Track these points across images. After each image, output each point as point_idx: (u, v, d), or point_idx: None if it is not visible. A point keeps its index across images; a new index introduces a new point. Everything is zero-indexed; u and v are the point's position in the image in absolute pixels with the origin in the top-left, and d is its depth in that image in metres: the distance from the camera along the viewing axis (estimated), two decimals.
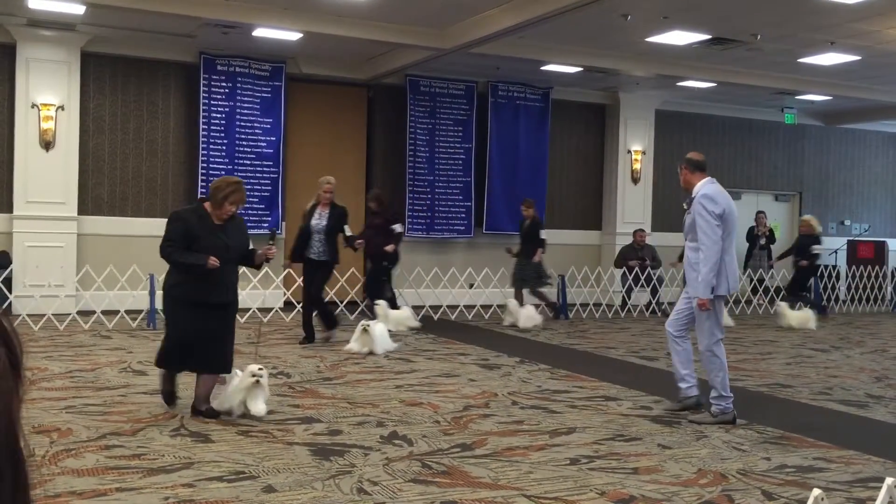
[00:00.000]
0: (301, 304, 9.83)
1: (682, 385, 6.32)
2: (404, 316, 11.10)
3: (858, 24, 10.53)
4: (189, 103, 12.80)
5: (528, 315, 11.66)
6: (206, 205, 6.02)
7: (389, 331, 9.51)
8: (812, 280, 14.23)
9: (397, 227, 11.26)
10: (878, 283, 15.99)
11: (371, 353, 8.76)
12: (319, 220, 9.35)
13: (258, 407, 5.78)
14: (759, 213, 15.48)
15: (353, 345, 8.89)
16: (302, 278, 9.63)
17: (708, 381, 6.10)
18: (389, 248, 11.03)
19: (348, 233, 9.61)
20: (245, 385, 5.80)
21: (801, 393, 7.35)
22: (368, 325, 8.87)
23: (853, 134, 18.44)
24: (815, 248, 13.36)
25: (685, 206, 6.13)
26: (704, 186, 6.06)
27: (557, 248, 15.20)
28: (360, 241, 9.75)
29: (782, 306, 12.49)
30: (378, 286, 11.42)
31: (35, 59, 11.63)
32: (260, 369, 5.87)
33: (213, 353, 5.87)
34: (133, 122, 12.60)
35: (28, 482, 0.96)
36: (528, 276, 12.43)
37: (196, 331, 5.80)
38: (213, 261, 5.72)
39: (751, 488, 4.50)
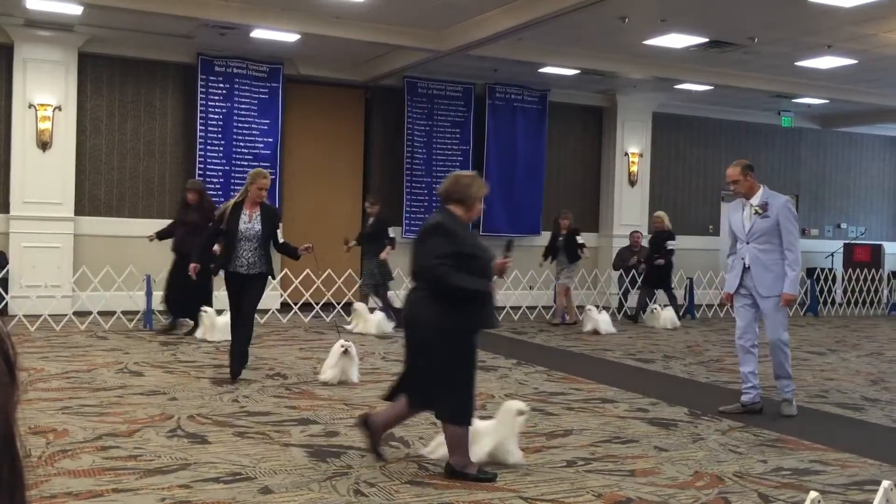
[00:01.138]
0: (231, 330, 7.54)
1: (754, 391, 6.57)
2: (377, 321, 10.73)
3: (855, 28, 10.56)
4: (186, 104, 12.79)
5: (377, 321, 10.69)
6: (453, 207, 4.76)
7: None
8: (675, 278, 13.49)
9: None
10: (874, 286, 16.02)
11: (346, 381, 7.25)
12: (251, 223, 7.18)
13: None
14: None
15: (329, 373, 7.24)
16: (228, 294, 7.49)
17: (777, 370, 6.50)
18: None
19: (281, 239, 7.95)
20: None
21: (798, 396, 7.34)
22: (349, 346, 7.31)
23: (850, 137, 18.47)
24: (671, 244, 12.97)
25: (759, 211, 6.38)
26: (772, 193, 6.55)
27: None
28: (307, 246, 7.56)
29: (656, 309, 12.57)
30: (191, 299, 9.60)
31: (32, 60, 11.62)
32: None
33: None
34: (130, 123, 12.59)
35: (24, 483, 0.96)
36: (372, 277, 11.48)
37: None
38: (493, 286, 4.74)
39: (747, 491, 4.51)
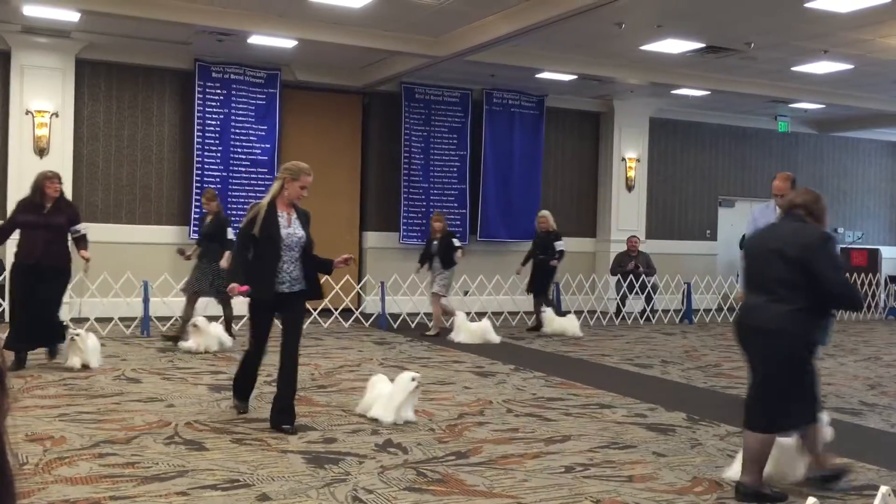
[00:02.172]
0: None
1: None
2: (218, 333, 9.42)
3: (851, 33, 10.59)
4: (184, 110, 12.80)
5: (217, 335, 9.40)
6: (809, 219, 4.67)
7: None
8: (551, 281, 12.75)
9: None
10: (872, 290, 16.04)
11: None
12: (291, 228, 5.97)
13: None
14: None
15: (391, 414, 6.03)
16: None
17: None
18: (85, 253, 8.03)
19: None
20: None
21: None
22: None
23: (846, 142, 18.51)
24: (560, 245, 12.11)
25: None
26: None
27: None
28: (346, 257, 6.39)
29: (549, 312, 11.88)
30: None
31: (29, 66, 11.62)
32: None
33: None
34: (127, 129, 12.58)
35: (15, 492, 0.96)
36: (203, 284, 9.77)
37: None
38: None
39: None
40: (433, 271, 11.46)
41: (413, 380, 5.96)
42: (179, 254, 10.32)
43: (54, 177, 7.86)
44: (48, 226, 7.72)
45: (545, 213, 12.51)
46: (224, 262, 9.27)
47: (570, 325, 11.72)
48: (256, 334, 5.94)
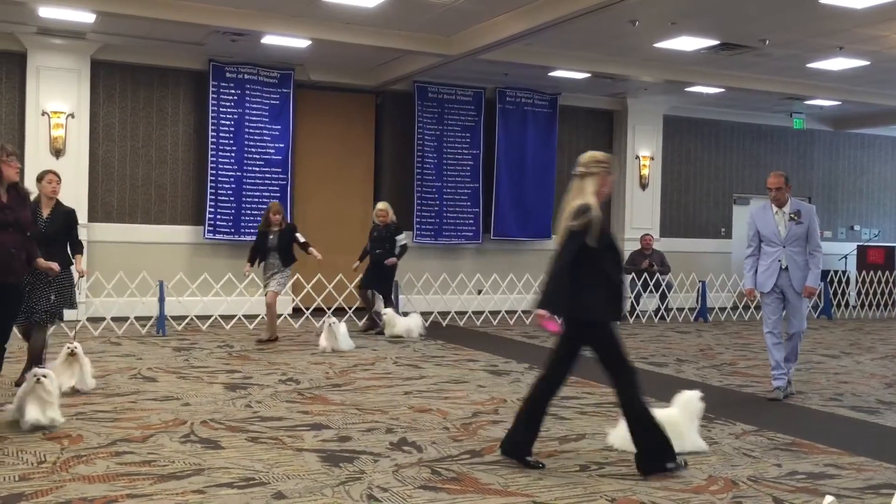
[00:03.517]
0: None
1: (785, 377, 7.31)
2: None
3: (867, 30, 10.51)
4: (198, 110, 12.86)
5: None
6: None
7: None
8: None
9: None
10: (889, 288, 15.92)
11: None
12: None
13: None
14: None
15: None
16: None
17: (792, 355, 7.35)
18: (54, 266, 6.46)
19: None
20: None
21: (812, 399, 7.32)
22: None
23: (862, 139, 18.39)
24: (401, 240, 11.16)
25: (794, 218, 7.16)
26: (798, 201, 7.35)
27: None
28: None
29: (389, 313, 10.80)
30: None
31: (45, 67, 11.71)
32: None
33: None
34: (142, 130, 12.66)
35: None
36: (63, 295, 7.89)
37: None
38: None
39: (762, 495, 4.48)
40: (269, 268, 9.96)
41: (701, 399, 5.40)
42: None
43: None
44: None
45: (384, 204, 11.30)
46: (79, 268, 7.57)
47: (415, 323, 10.87)
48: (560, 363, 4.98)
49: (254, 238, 10.51)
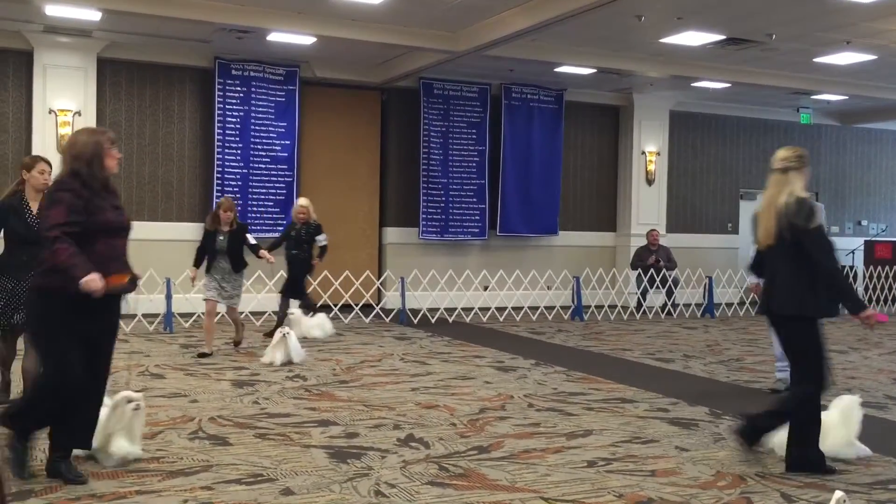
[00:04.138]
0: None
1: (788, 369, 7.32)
2: None
3: (874, 24, 10.47)
4: (204, 108, 12.87)
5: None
6: None
7: None
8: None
9: None
10: None
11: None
12: None
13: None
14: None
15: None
16: None
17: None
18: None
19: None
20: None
21: None
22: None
23: (869, 134, 18.32)
24: (322, 240, 10.31)
25: None
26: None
27: (572, 249, 15.21)
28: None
29: (297, 314, 10.08)
30: None
31: (52, 66, 11.73)
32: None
33: None
34: (149, 127, 12.68)
35: None
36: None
37: None
38: None
39: (770, 490, 4.48)
40: (216, 272, 8.82)
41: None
42: None
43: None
44: None
45: (304, 202, 10.41)
46: None
47: (317, 323, 10.19)
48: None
49: (263, 235, 10.51)
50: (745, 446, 4.89)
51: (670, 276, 14.13)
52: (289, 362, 8.22)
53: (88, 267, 4.23)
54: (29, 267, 5.19)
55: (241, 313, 9.78)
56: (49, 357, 4.35)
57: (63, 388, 4.29)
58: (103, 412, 4.64)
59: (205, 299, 8.87)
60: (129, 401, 4.73)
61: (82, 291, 4.18)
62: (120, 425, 4.67)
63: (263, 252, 9.05)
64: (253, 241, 9.05)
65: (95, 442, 4.58)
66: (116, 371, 7.70)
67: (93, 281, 4.20)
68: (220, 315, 9.67)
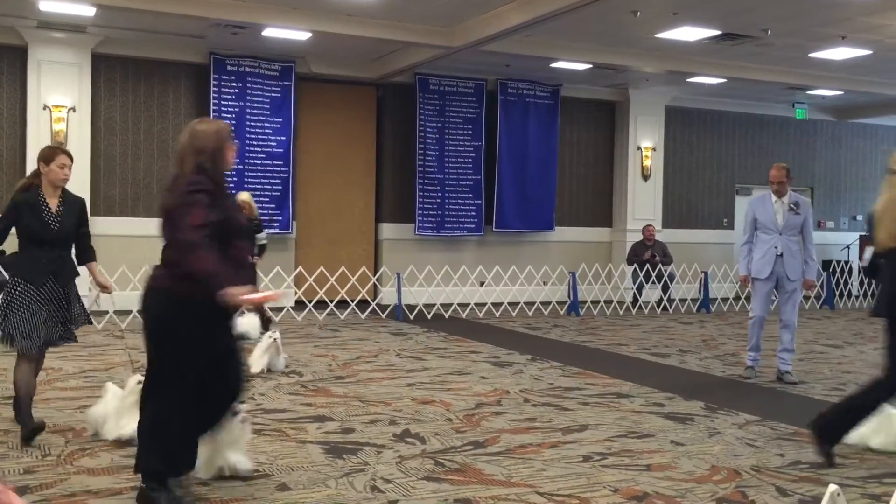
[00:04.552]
0: None
1: (758, 360, 7.78)
2: None
3: (870, 19, 10.48)
4: (199, 104, 12.84)
5: None
6: None
7: None
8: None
9: None
10: None
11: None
12: None
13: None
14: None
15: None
16: None
17: (789, 345, 7.56)
18: None
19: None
20: None
21: (815, 389, 7.33)
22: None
23: (865, 129, 18.34)
24: (262, 238, 9.90)
25: (793, 208, 7.45)
26: (795, 194, 7.64)
27: (568, 245, 15.22)
28: None
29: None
30: None
31: (46, 61, 11.70)
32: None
33: None
34: (144, 123, 12.65)
35: None
36: None
37: None
38: None
39: (765, 485, 4.49)
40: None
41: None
42: None
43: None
44: None
45: (247, 195, 9.99)
46: None
47: (251, 324, 9.39)
48: None
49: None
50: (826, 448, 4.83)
51: (666, 271, 14.15)
52: (268, 371, 7.55)
53: (229, 275, 3.76)
54: (49, 271, 5.03)
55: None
56: (175, 373, 3.87)
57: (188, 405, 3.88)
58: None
59: None
60: (237, 413, 4.37)
61: (223, 301, 3.70)
62: (228, 439, 4.37)
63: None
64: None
65: (201, 458, 4.21)
66: (113, 367, 7.69)
67: (244, 293, 3.76)
68: None
